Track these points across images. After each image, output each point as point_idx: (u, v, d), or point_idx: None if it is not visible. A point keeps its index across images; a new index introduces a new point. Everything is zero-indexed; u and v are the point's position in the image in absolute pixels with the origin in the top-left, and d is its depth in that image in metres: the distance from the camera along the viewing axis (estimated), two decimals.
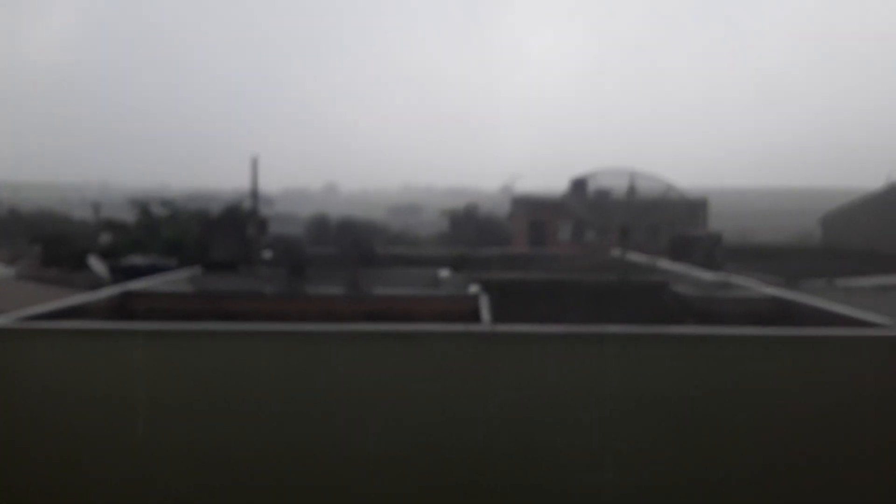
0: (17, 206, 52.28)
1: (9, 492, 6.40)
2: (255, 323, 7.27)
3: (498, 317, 8.97)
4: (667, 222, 16.40)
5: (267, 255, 12.84)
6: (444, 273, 11.89)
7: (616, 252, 13.99)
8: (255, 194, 32.58)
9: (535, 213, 35.02)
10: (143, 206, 27.50)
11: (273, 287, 10.62)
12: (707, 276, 11.61)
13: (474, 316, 8.71)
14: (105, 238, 24.29)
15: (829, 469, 6.39)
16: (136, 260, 15.25)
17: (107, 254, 19.83)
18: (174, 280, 11.19)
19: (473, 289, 10.01)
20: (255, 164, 33.02)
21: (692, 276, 11.73)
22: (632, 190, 13.30)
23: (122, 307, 9.17)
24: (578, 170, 14.99)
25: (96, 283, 14.38)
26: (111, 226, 26.34)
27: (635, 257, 13.64)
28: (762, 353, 6.66)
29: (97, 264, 15.46)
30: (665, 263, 13.72)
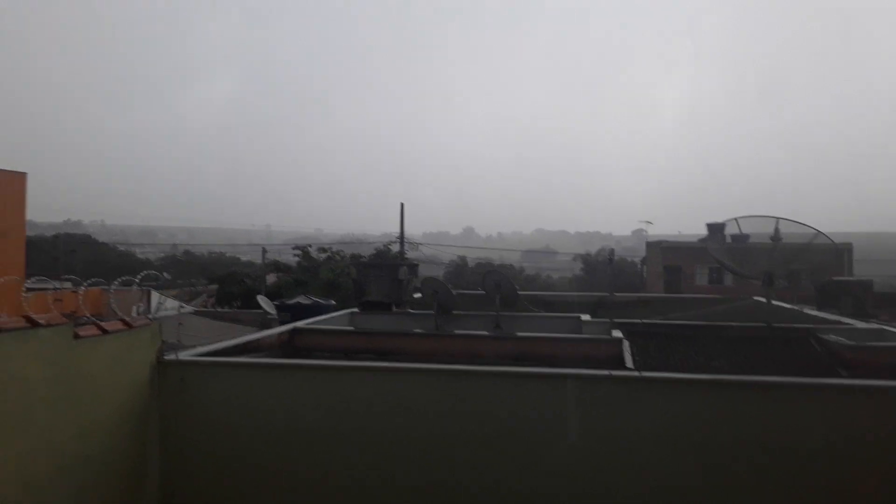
0: (192, 248, 56.10)
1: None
2: (407, 360, 7.45)
3: (641, 362, 8.75)
4: (812, 269, 15.49)
5: (417, 296, 13.15)
6: (586, 317, 11.73)
7: (760, 298, 13.34)
8: (402, 239, 33.63)
9: (671, 257, 33.95)
10: (304, 250, 28.92)
11: (424, 327, 10.85)
12: (859, 325, 10.83)
13: (618, 360, 8.53)
14: (271, 279, 25.64)
15: None
16: (301, 299, 16.00)
17: (273, 293, 20.95)
18: (336, 319, 11.66)
19: (616, 333, 9.82)
20: (402, 211, 34.12)
21: (842, 325, 10.98)
22: (776, 235, 12.69)
23: (291, 343, 9.64)
24: (710, 215, 14.46)
25: (265, 320, 15.22)
26: (276, 267, 27.79)
27: (780, 304, 12.95)
28: None
29: (265, 303, 16.35)
30: (812, 310, 12.93)
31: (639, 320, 11.21)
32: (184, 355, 7.22)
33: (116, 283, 7.36)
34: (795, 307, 12.99)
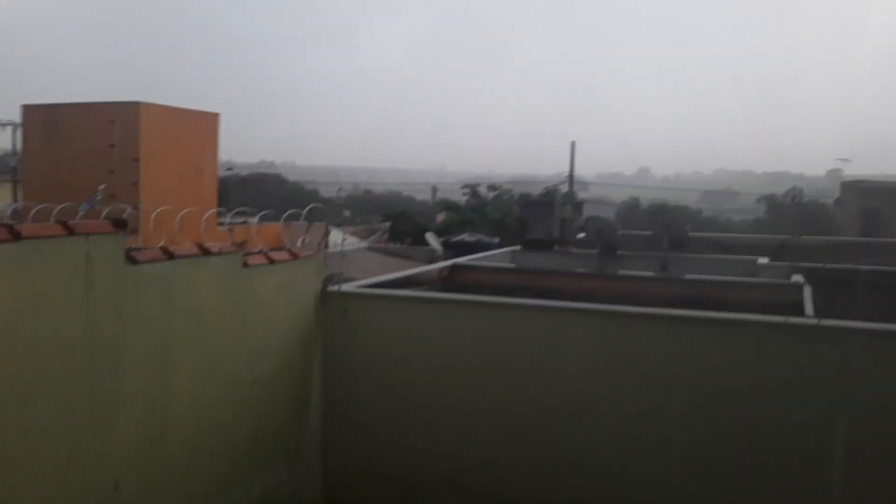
0: (372, 188, 58.29)
1: (345, 437, 7.11)
2: (568, 300, 7.22)
3: (823, 310, 7.94)
4: None
5: (581, 235, 12.80)
6: (763, 261, 10.87)
7: None
8: (571, 178, 32.91)
9: (870, 199, 30.65)
10: (472, 189, 29.08)
11: (586, 267, 10.54)
12: None
13: (797, 308, 7.80)
14: (441, 217, 26.07)
15: None
16: (466, 237, 16.12)
17: (442, 231, 21.30)
18: (496, 256, 11.62)
19: (796, 278, 9.00)
20: (572, 149, 33.30)
21: None
22: None
23: (451, 279, 9.71)
24: None
25: (432, 257, 15.49)
26: (446, 206, 28.21)
27: None
28: None
29: (433, 240, 16.64)
30: None
31: (823, 265, 10.21)
32: (346, 287, 7.44)
33: (284, 216, 7.65)
34: None
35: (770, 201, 42.21)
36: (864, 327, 5.90)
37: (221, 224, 11.99)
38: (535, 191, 32.67)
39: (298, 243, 7.30)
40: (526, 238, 12.46)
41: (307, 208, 7.59)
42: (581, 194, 34.13)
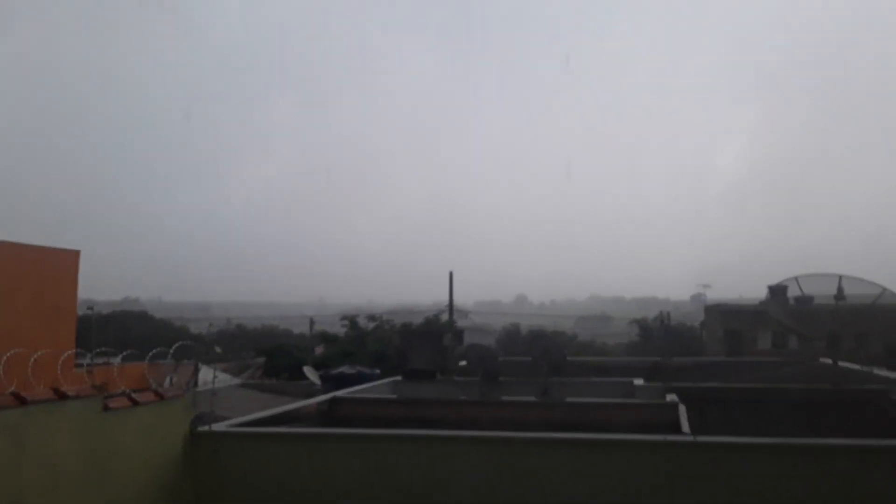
0: (245, 322, 56.68)
1: None
2: (451, 429, 7.17)
3: (698, 427, 8.28)
4: (880, 329, 14.74)
5: (462, 363, 12.88)
6: (639, 382, 11.29)
7: (825, 359, 12.71)
8: (451, 307, 33.41)
9: (731, 321, 32.84)
10: (351, 321, 28.93)
11: (469, 394, 10.56)
12: None
13: (673, 426, 8.09)
14: (319, 350, 25.64)
15: None
16: (345, 369, 15.86)
17: (321, 364, 20.87)
18: (378, 387, 11.45)
19: (671, 398, 9.38)
20: (451, 279, 33.98)
21: None
22: (840, 294, 12.15)
23: (331, 413, 9.44)
24: (773, 278, 13.95)
25: (311, 392, 15.06)
26: (324, 339, 27.84)
27: (847, 365, 12.30)
28: None
29: (311, 373, 16.24)
30: (882, 372, 12.22)
31: (695, 384, 10.73)
32: (218, 426, 7.09)
33: (150, 355, 7.33)
34: (864, 368, 12.30)
35: (641, 325, 44.23)
36: (737, 442, 6.18)
37: (80, 366, 11.29)
38: (416, 320, 32.88)
39: (165, 383, 6.96)
40: (407, 368, 12.40)
41: (174, 346, 7.30)
42: (461, 322, 34.60)
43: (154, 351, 7.32)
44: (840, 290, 11.47)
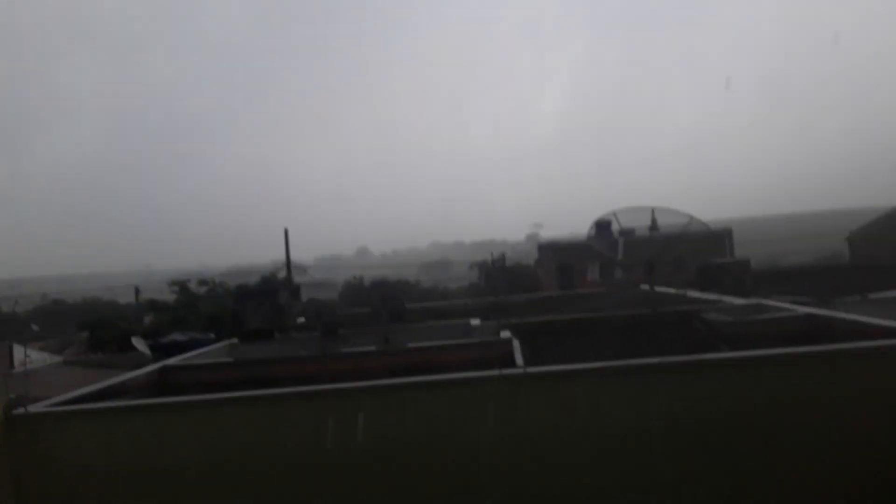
0: (63, 297, 53.05)
1: None
2: (291, 386, 7.10)
3: (531, 359, 8.72)
4: (692, 254, 16.07)
5: (301, 320, 12.74)
6: (476, 322, 11.68)
7: (644, 286, 13.69)
8: (288, 264, 32.86)
9: (562, 257, 34.67)
10: (181, 286, 27.75)
11: (308, 351, 10.48)
12: (738, 301, 11.26)
13: (509, 360, 8.46)
14: (148, 319, 24.44)
15: (867, 479, 6.02)
16: (176, 336, 15.24)
17: (150, 334, 19.90)
18: (212, 352, 11.11)
19: (505, 334, 9.79)
20: (286, 236, 33.38)
21: (723, 304, 11.38)
22: (654, 225, 13.06)
23: (162, 383, 9.07)
24: (599, 212, 14.81)
25: (141, 363, 14.37)
26: (153, 307, 26.54)
27: (664, 290, 13.33)
28: (799, 371, 6.35)
29: (140, 344, 15.47)
30: (694, 293, 13.37)
31: (528, 319, 11.24)
32: (35, 407, 6.61)
33: None
34: (679, 291, 13.40)
35: (480, 267, 45.74)
36: (564, 369, 6.57)
37: None
38: (253, 281, 32.07)
39: None
40: (243, 330, 12.10)
41: None
42: (301, 279, 34.13)
43: None
44: (654, 220, 12.34)
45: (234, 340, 11.98)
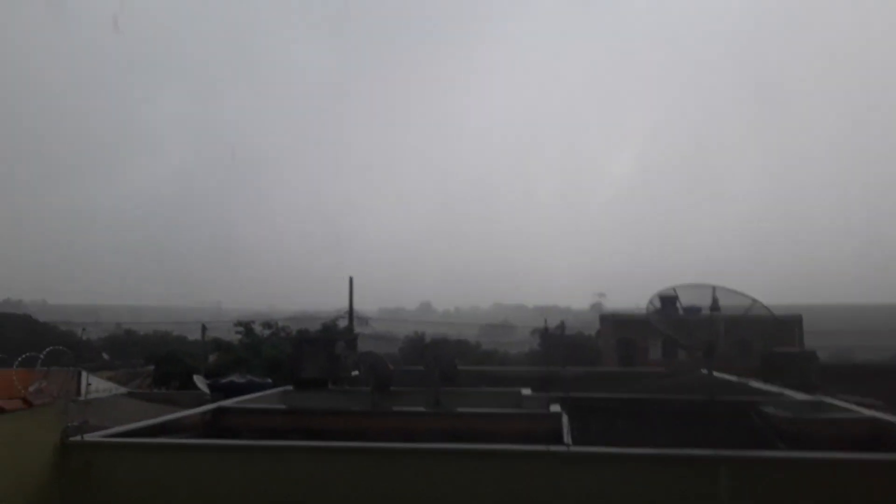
0: (134, 328, 54.67)
1: None
2: (339, 439, 7.24)
3: (579, 436, 8.65)
4: (757, 339, 15.65)
5: (355, 373, 12.92)
6: (527, 391, 11.63)
7: (704, 370, 13.41)
8: (350, 314, 33.26)
9: (624, 330, 34.14)
10: (247, 327, 28.36)
11: (359, 405, 10.61)
12: (799, 397, 10.92)
13: (556, 436, 8.41)
14: (212, 358, 25.03)
15: None
16: (235, 378, 15.59)
17: (213, 372, 20.38)
18: (267, 397, 11.36)
19: (555, 408, 9.73)
20: (351, 285, 33.85)
21: (784, 398, 11.06)
22: (715, 305, 12.84)
23: (215, 423, 9.32)
24: (662, 283, 14.64)
25: (200, 401, 14.75)
26: (218, 346, 27.17)
27: (724, 376, 13.03)
28: (859, 479, 6.13)
29: (201, 383, 15.89)
30: (756, 383, 13.02)
31: (581, 394, 11.12)
32: (91, 436, 6.91)
33: (19, 360, 7.07)
34: (740, 379, 13.08)
35: (542, 334, 45.26)
36: (610, 452, 6.52)
37: None
38: (316, 328, 32.54)
39: (31, 389, 6.74)
40: (298, 377, 12.34)
41: (46, 351, 7.06)
42: (362, 330, 34.46)
43: (24, 356, 7.02)
44: (714, 300, 12.14)
45: (290, 387, 12.22)
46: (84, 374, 18.09)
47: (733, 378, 13.09)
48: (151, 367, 25.91)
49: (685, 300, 13.34)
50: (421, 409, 10.00)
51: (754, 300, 11.91)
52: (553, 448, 7.15)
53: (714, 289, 11.90)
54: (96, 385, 17.86)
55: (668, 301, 14.31)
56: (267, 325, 29.45)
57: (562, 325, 32.94)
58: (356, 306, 33.98)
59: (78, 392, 16.84)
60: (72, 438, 6.68)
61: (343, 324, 31.19)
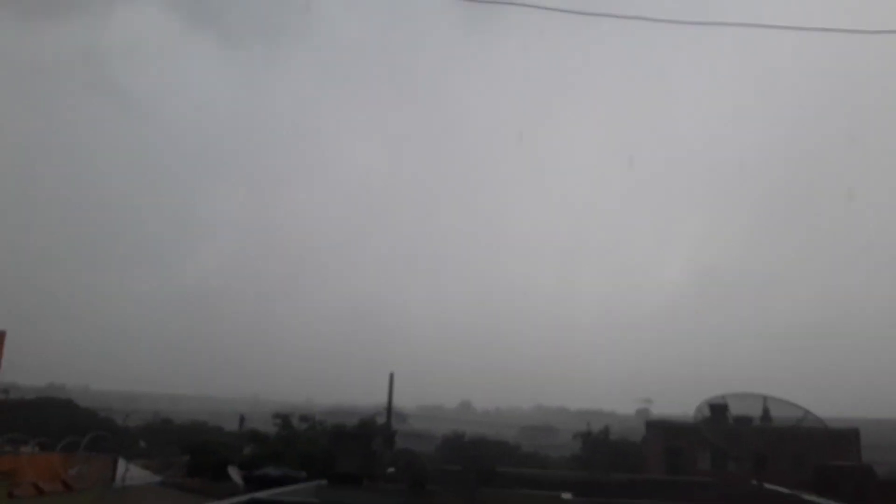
0: (172, 417, 54.97)
1: None
2: None
3: None
4: (810, 451, 15.11)
5: (391, 470, 12.76)
6: (567, 496, 11.33)
7: (754, 482, 12.95)
8: (389, 410, 32.98)
9: (672, 438, 33.02)
10: (284, 419, 28.31)
11: (392, 502, 10.45)
12: None
13: None
14: (248, 449, 24.93)
15: None
16: (269, 470, 15.50)
17: (247, 465, 20.25)
18: (300, 491, 11.24)
19: None
20: (391, 381, 33.70)
21: None
22: (766, 415, 12.55)
23: None
24: (710, 391, 14.38)
25: (234, 492, 14.67)
26: (254, 437, 27.10)
27: (776, 488, 12.55)
28: None
29: (235, 474, 15.82)
30: (809, 497, 12.49)
31: (624, 501, 10.80)
32: None
33: (61, 445, 7.19)
34: (792, 492, 12.57)
35: (585, 438, 44.10)
36: None
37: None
38: (353, 423, 32.30)
39: (71, 473, 6.84)
40: (333, 472, 12.23)
41: (87, 437, 7.18)
42: (400, 427, 34.03)
43: (66, 440, 7.14)
44: (766, 411, 11.86)
45: (324, 482, 12.10)
46: (121, 461, 18.23)
47: (785, 490, 12.59)
48: (185, 457, 25.86)
49: (735, 409, 13.09)
50: None
51: (807, 411, 11.61)
52: None
53: (765, 398, 11.67)
54: (132, 473, 17.92)
55: (717, 409, 14.01)
56: (304, 418, 29.38)
57: (605, 430, 32.20)
58: (395, 402, 33.71)
59: (114, 479, 16.91)
60: None
61: (381, 420, 30.93)
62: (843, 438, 26.44)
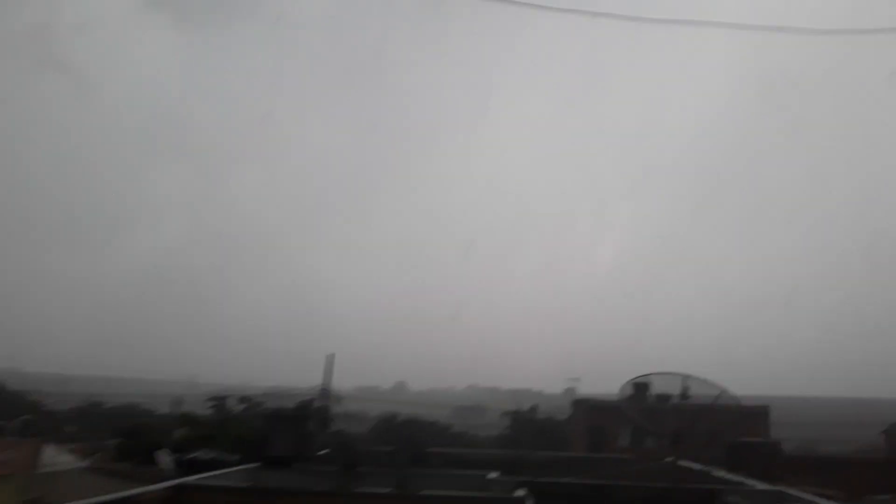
0: (105, 399, 53.38)
1: None
2: None
3: None
4: (723, 429, 15.57)
5: (324, 451, 12.63)
6: (493, 475, 11.41)
7: (669, 458, 13.28)
8: (326, 392, 32.66)
9: (595, 416, 33.67)
10: (219, 402, 27.78)
11: (326, 484, 10.34)
12: (760, 486, 10.82)
13: None
14: (179, 433, 24.36)
15: None
16: (200, 454, 15.17)
17: (178, 448, 19.75)
18: (231, 475, 11.03)
19: (520, 492, 9.55)
20: (328, 362, 33.37)
21: (745, 487, 10.95)
22: (684, 393, 12.82)
23: (176, 500, 9.01)
24: (636, 370, 14.58)
25: (164, 477, 14.29)
26: (187, 420, 26.50)
27: (690, 464, 12.89)
28: None
29: (164, 458, 15.42)
30: (720, 472, 12.89)
31: (547, 479, 10.95)
32: None
33: None
34: (704, 468, 12.95)
35: (512, 417, 44.68)
36: None
37: None
38: (291, 404, 31.85)
39: None
40: (265, 455, 12.03)
41: (15, 421, 6.86)
42: (336, 408, 33.79)
43: None
44: (684, 389, 12.12)
45: (257, 464, 11.90)
46: (47, 446, 17.55)
47: (698, 467, 12.96)
48: (115, 441, 25.11)
49: (657, 388, 13.33)
50: (386, 490, 9.76)
51: (723, 390, 11.93)
52: None
53: (685, 377, 11.92)
54: (58, 458, 17.29)
55: (640, 388, 14.27)
56: (243, 399, 28.89)
57: (533, 409, 32.67)
58: (333, 384, 33.39)
59: (38, 465, 16.26)
60: None
61: (319, 402, 30.64)
62: (753, 416, 27.44)
